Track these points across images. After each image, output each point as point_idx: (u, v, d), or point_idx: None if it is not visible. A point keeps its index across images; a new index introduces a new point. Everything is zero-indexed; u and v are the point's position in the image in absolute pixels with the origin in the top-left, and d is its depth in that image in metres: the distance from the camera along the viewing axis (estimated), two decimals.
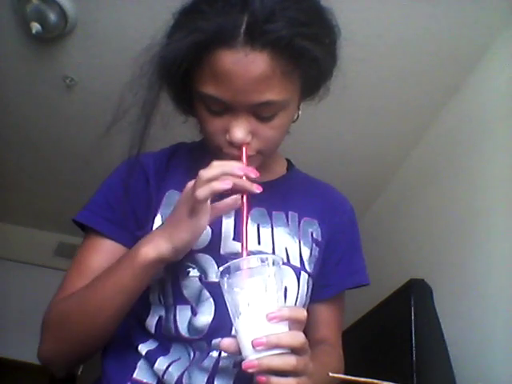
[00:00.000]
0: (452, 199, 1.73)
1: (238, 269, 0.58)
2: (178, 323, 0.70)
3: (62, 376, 0.77)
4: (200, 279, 0.70)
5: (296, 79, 0.68)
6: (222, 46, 0.63)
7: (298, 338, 0.55)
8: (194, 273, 0.70)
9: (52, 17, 1.69)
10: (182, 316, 0.70)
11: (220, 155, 0.72)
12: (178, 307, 0.70)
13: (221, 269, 0.58)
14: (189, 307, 0.70)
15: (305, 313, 0.58)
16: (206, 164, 0.82)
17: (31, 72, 2.02)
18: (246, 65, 0.63)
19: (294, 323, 0.57)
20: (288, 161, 0.93)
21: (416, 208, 2.03)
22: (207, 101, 0.68)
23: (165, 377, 0.69)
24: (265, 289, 0.57)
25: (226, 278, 0.58)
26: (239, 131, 0.67)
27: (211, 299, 0.70)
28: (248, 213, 0.64)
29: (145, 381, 0.69)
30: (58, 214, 3.20)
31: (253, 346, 0.54)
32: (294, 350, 0.55)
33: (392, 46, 1.66)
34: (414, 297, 1.56)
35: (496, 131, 1.51)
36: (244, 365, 0.54)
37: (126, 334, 0.75)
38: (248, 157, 0.69)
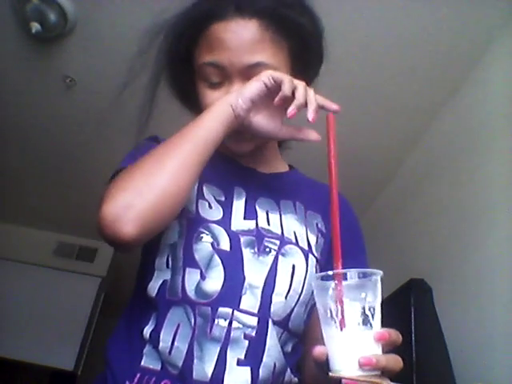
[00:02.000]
0: (452, 199, 1.73)
1: (351, 278, 0.55)
2: (186, 285, 0.70)
3: (132, 249, 0.65)
4: (212, 245, 0.71)
5: (285, 50, 0.77)
6: (215, 20, 0.74)
7: (401, 363, 0.55)
8: (207, 238, 0.72)
9: (52, 16, 1.69)
10: (191, 278, 0.70)
11: None
12: (187, 269, 0.70)
13: (331, 273, 0.55)
14: (198, 271, 0.70)
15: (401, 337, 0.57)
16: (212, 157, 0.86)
17: (31, 72, 2.02)
18: (237, 30, 0.73)
19: (388, 345, 0.55)
20: (290, 165, 0.96)
21: (416, 208, 2.03)
22: (206, 72, 0.75)
23: (172, 353, 0.67)
24: (377, 305, 0.54)
25: (333, 285, 0.54)
26: None
27: (221, 266, 0.70)
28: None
29: (151, 367, 0.68)
30: (58, 213, 3.20)
31: (358, 363, 0.51)
32: (389, 373, 0.54)
33: (391, 46, 1.66)
34: (414, 297, 1.56)
35: (496, 131, 1.51)
36: (344, 381, 0.52)
37: (129, 322, 0.75)
38: None
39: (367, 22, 1.56)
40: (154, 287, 0.72)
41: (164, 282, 0.72)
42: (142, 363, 0.69)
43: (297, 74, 0.79)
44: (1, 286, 3.22)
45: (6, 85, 2.12)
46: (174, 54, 0.80)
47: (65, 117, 2.26)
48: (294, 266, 0.74)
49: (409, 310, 1.52)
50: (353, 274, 0.56)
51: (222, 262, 0.71)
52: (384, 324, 0.55)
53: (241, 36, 0.72)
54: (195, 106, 0.84)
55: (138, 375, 0.68)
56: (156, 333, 0.69)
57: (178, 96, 0.88)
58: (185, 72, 0.81)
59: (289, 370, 0.74)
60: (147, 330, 0.71)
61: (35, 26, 1.68)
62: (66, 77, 2.00)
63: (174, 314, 0.70)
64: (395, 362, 0.54)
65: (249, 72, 0.73)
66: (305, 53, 0.80)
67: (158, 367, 0.68)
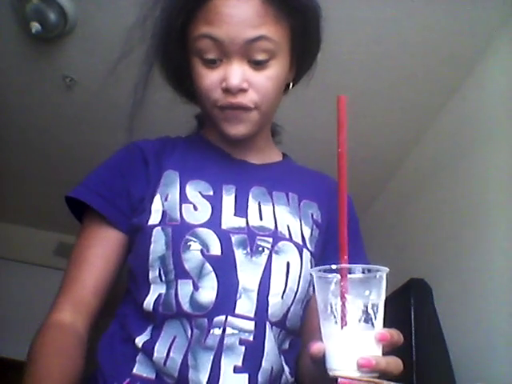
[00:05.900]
0: (452, 199, 1.73)
1: (355, 273, 0.53)
2: (180, 298, 0.68)
3: None
4: (202, 253, 0.69)
5: (287, 29, 0.73)
6: None
7: (401, 366, 0.53)
8: (195, 246, 0.69)
9: (52, 16, 1.69)
10: (184, 290, 0.68)
11: (216, 113, 0.74)
12: (179, 281, 0.68)
13: (334, 266, 0.53)
14: (190, 282, 0.68)
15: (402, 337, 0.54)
16: (200, 148, 0.85)
17: (31, 72, 2.01)
18: (239, 5, 0.68)
19: (389, 345, 0.53)
20: (283, 153, 0.94)
21: (416, 208, 2.03)
22: (201, 46, 0.71)
23: (167, 364, 0.66)
24: (380, 304, 0.52)
25: (335, 279, 0.52)
26: (235, 76, 0.70)
27: (213, 273, 0.68)
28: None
29: (144, 375, 0.67)
30: (58, 213, 3.18)
31: (357, 364, 0.49)
32: (388, 376, 0.52)
33: (392, 47, 1.66)
34: (414, 297, 1.56)
35: (496, 131, 1.51)
36: (341, 381, 0.50)
37: (123, 329, 0.74)
38: (245, 108, 0.72)
39: (367, 22, 1.56)
40: (149, 302, 0.71)
41: (159, 295, 0.70)
42: (134, 370, 0.68)
43: (294, 58, 0.78)
44: (1, 286, 3.22)
45: (6, 85, 2.11)
46: (169, 28, 0.74)
47: (65, 117, 2.26)
48: (288, 264, 0.72)
49: (409, 310, 1.52)
50: (358, 269, 0.53)
51: (214, 269, 0.68)
52: (384, 324, 0.54)
53: (242, 11, 0.68)
54: (189, 92, 0.82)
55: (127, 380, 0.67)
56: (151, 344, 0.68)
57: (171, 80, 0.84)
58: (179, 51, 0.77)
59: (286, 371, 0.73)
60: (140, 340, 0.70)
61: (35, 26, 1.68)
62: (65, 77, 1.99)
63: (170, 327, 0.69)
64: (395, 365, 0.52)
65: (249, 47, 0.69)
66: (305, 36, 0.76)
67: (153, 376, 0.67)
